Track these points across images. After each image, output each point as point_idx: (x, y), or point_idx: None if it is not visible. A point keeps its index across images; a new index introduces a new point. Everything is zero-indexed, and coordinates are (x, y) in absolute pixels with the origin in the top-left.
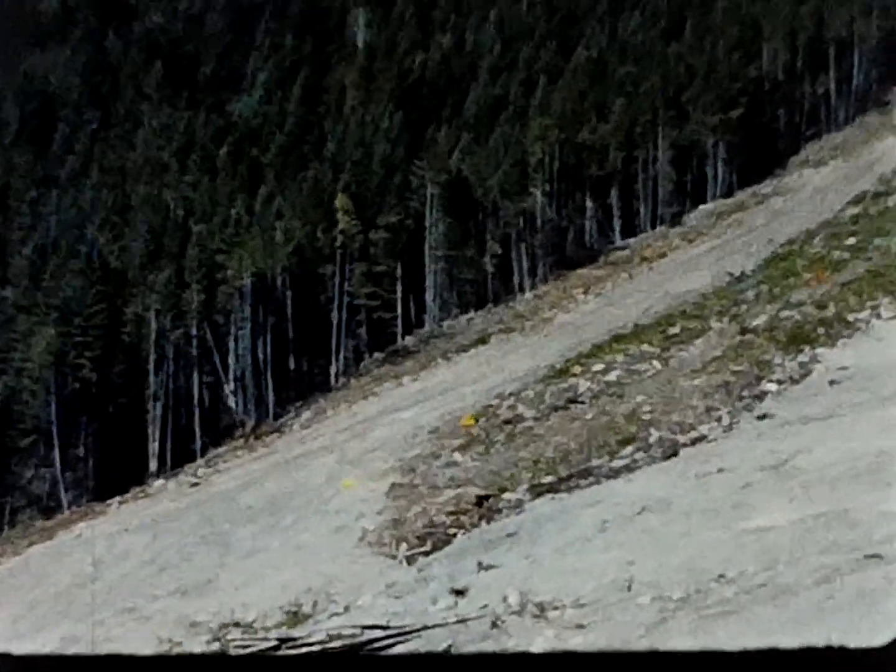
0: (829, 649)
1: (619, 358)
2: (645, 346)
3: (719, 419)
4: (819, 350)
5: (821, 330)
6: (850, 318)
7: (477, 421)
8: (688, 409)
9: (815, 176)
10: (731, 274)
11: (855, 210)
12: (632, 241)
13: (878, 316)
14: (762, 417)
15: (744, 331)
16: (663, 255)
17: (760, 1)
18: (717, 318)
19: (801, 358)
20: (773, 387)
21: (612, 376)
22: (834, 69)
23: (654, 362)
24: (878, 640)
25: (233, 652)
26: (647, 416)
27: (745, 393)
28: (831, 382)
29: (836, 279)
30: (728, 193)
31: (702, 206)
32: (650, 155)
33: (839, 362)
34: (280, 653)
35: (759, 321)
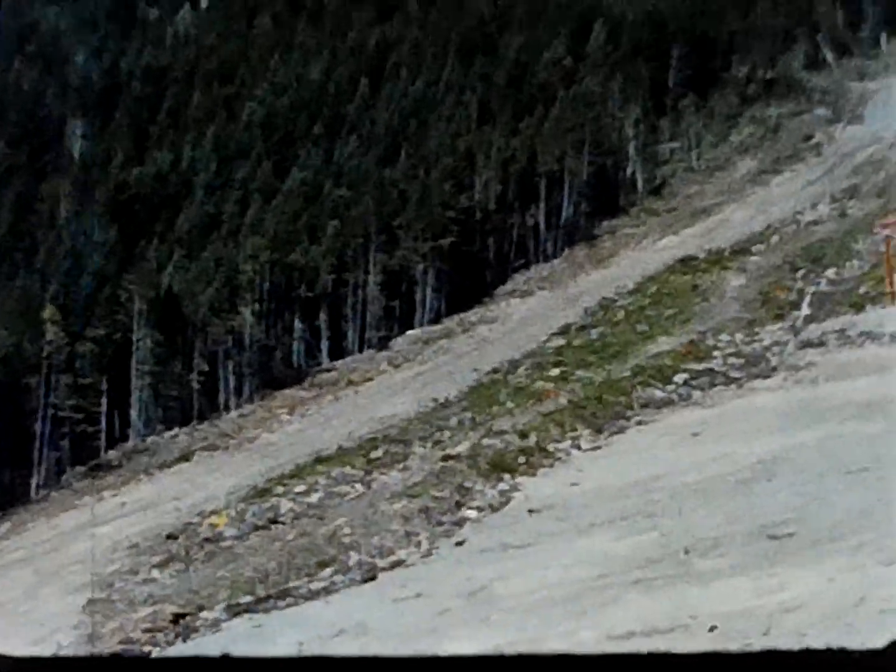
0: (828, 650)
1: (322, 480)
2: (348, 469)
3: (419, 544)
4: (519, 479)
5: (522, 459)
6: (551, 448)
7: (227, 519)
8: (388, 533)
9: (522, 306)
10: (435, 400)
11: (560, 341)
12: (339, 363)
13: (578, 447)
14: (461, 543)
15: (446, 457)
16: (370, 379)
17: (474, 132)
18: (420, 444)
19: (502, 486)
20: (472, 513)
21: (313, 498)
22: (544, 201)
23: (356, 485)
24: None
25: None
26: (347, 539)
27: (444, 519)
28: (530, 511)
29: (539, 409)
30: (436, 320)
31: (409, 332)
32: (360, 278)
33: (539, 491)
34: (280, 654)
35: (462, 448)
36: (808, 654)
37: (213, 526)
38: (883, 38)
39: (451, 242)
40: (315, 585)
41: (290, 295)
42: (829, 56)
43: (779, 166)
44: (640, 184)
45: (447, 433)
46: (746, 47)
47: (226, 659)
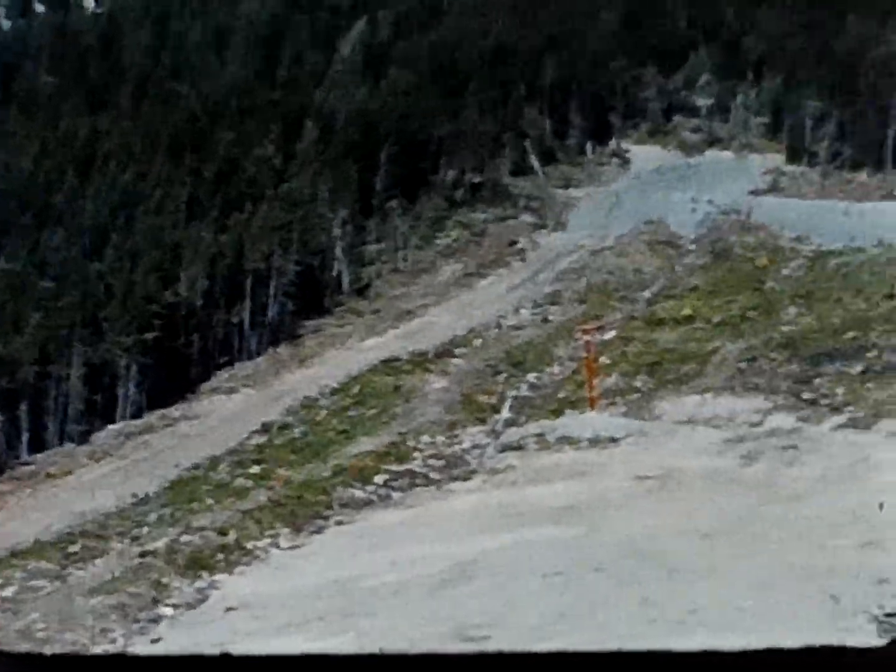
0: (828, 649)
1: (17, 574)
2: (44, 563)
3: (114, 640)
4: (218, 576)
5: (220, 556)
6: (250, 545)
7: None
8: (82, 629)
9: (225, 403)
10: (135, 495)
11: (261, 439)
12: (39, 456)
13: (277, 546)
14: (156, 641)
15: (143, 553)
16: (69, 473)
17: (182, 227)
18: (117, 539)
19: (200, 583)
20: (169, 611)
21: (8, 592)
22: (250, 299)
23: (52, 580)
24: None
25: None
26: (41, 634)
27: (141, 615)
28: (228, 609)
29: (239, 506)
30: (138, 415)
31: (111, 426)
32: (63, 371)
33: (237, 589)
34: (280, 653)
35: (160, 544)
36: (808, 653)
37: None
38: (588, 146)
39: (155, 337)
40: None
41: None
42: (536, 163)
43: (483, 270)
44: (345, 284)
45: (145, 529)
46: (455, 151)
47: (225, 658)
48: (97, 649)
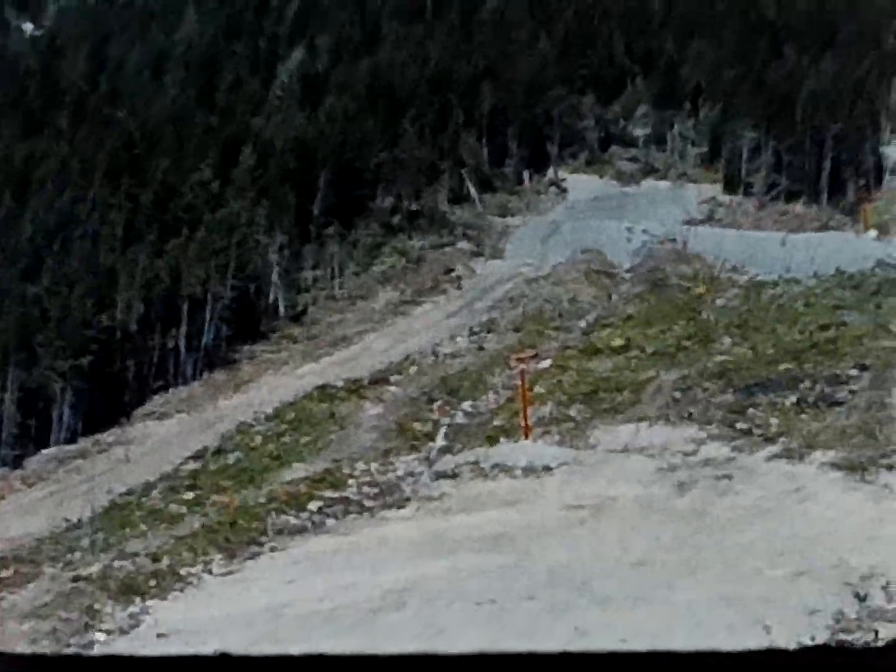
0: (828, 649)
1: None
2: None
3: None
4: (150, 602)
5: (153, 582)
6: (183, 572)
7: None
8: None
9: (160, 428)
10: (68, 520)
11: (195, 465)
12: None
13: (211, 572)
14: None
15: (76, 578)
16: (2, 498)
17: (119, 251)
18: (50, 564)
19: (132, 609)
20: (101, 636)
21: None
22: (186, 324)
23: None
24: None
25: None
26: None
27: (73, 640)
28: (159, 635)
29: (173, 532)
30: (72, 439)
31: (45, 451)
32: None
33: (169, 615)
34: (281, 653)
35: (93, 569)
36: (808, 653)
37: None
38: (526, 175)
39: (90, 361)
40: None
41: None
42: (473, 190)
43: (420, 298)
44: (281, 310)
45: (78, 554)
46: (392, 178)
47: (225, 658)
48: None
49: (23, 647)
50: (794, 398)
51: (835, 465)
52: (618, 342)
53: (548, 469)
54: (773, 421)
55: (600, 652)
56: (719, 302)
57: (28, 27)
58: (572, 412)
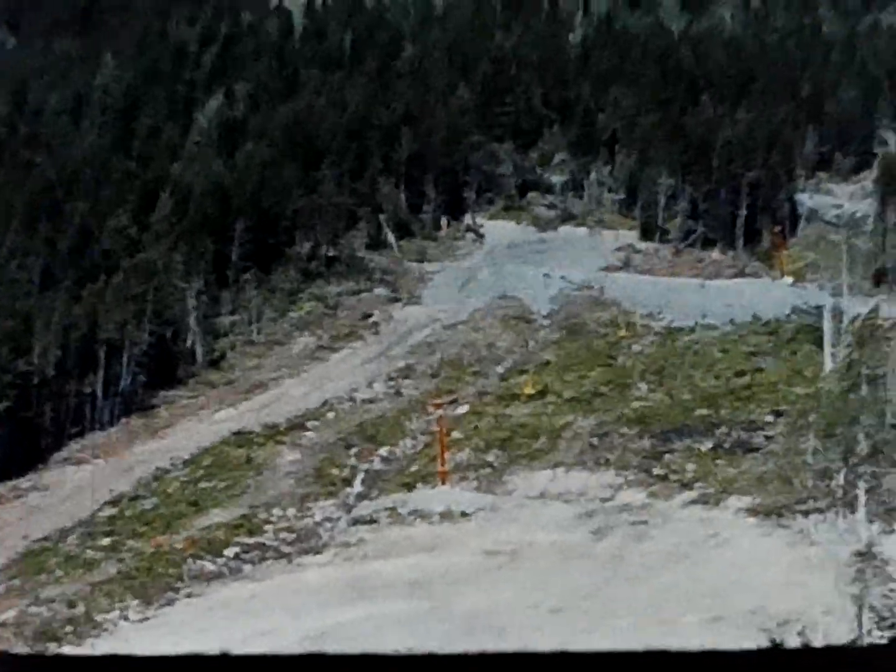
0: (829, 648)
1: None
2: None
3: None
4: (65, 648)
5: (69, 628)
6: (99, 618)
7: None
8: None
9: (77, 474)
10: None
11: (112, 511)
12: None
13: (127, 618)
14: None
15: None
16: None
17: (36, 296)
18: None
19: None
20: None
21: None
22: (103, 369)
23: None
24: None
25: None
26: None
27: None
28: None
29: (89, 578)
30: None
31: None
32: None
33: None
34: (283, 653)
35: (8, 615)
36: (808, 652)
37: None
38: (443, 221)
39: (6, 407)
40: None
41: None
42: (391, 236)
43: (337, 343)
44: (199, 355)
45: None
46: (310, 224)
47: (225, 658)
48: None
49: None
50: (710, 444)
51: (750, 511)
52: (535, 388)
53: (465, 515)
54: (690, 467)
55: (600, 652)
56: (636, 348)
57: None
58: (490, 458)
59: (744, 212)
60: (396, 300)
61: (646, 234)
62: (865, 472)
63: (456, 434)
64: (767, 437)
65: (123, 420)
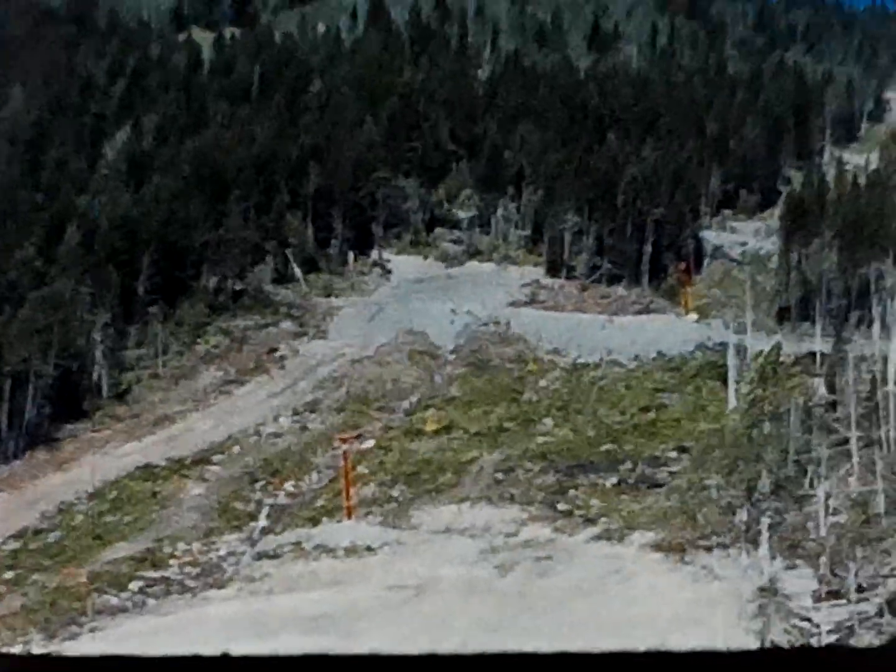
0: (829, 648)
1: None
2: None
3: None
4: None
5: None
6: (2, 651)
7: None
8: None
9: None
10: None
11: (15, 545)
12: None
13: (29, 652)
14: None
15: None
16: None
17: None
18: None
19: None
20: None
21: None
22: (8, 402)
23: None
24: None
25: None
26: None
27: None
28: None
29: None
30: None
31: None
32: None
33: None
34: (283, 653)
35: None
36: (808, 652)
37: None
38: (350, 256)
39: None
40: None
41: None
42: (298, 271)
43: (243, 377)
44: (105, 388)
45: None
46: (217, 257)
47: (225, 658)
48: None
49: None
50: (614, 479)
51: (654, 547)
52: (440, 423)
53: (370, 549)
54: (594, 502)
55: (600, 652)
56: (541, 383)
57: None
58: (395, 493)
59: (649, 248)
60: (303, 334)
61: (552, 271)
62: (768, 507)
63: (361, 469)
64: (671, 473)
65: (28, 453)
